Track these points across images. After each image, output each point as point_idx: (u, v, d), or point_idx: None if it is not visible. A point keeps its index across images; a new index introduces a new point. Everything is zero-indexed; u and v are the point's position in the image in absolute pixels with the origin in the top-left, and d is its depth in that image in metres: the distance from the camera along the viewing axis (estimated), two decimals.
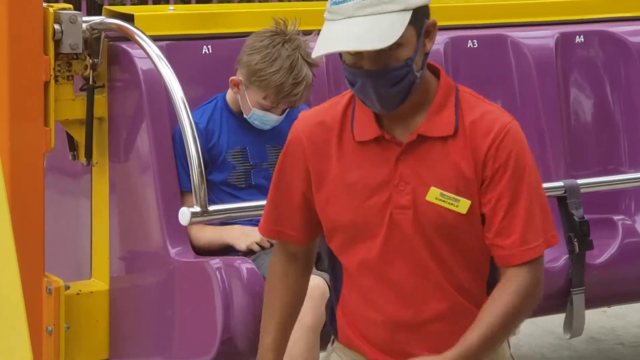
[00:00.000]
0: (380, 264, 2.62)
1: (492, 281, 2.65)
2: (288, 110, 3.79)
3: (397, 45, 2.45)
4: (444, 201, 2.56)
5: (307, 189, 2.69)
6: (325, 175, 2.65)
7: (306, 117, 2.73)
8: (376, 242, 2.61)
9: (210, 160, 3.78)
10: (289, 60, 3.67)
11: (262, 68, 3.68)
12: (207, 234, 3.73)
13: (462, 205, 2.56)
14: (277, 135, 3.79)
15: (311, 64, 3.72)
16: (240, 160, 3.81)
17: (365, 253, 2.63)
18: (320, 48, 2.48)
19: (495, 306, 2.54)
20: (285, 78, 3.66)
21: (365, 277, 2.65)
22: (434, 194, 2.56)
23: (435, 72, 2.64)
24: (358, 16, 2.45)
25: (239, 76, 3.75)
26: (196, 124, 3.63)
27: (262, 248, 3.64)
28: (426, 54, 2.56)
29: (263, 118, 3.75)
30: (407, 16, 2.45)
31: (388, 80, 2.49)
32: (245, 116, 3.77)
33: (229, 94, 3.83)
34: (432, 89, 2.60)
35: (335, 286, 2.78)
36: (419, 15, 2.50)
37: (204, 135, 3.75)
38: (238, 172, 3.80)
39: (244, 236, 3.69)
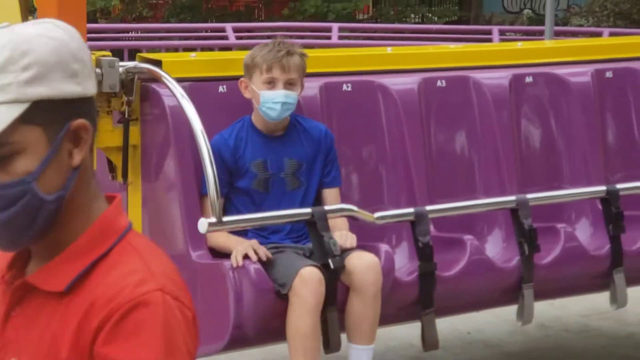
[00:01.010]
0: None
1: None
2: (306, 128, 3.79)
3: (7, 153, 1.40)
4: None
5: None
6: None
7: None
8: None
9: (237, 169, 3.75)
10: (274, 43, 3.73)
11: (254, 54, 3.71)
12: (220, 241, 3.66)
13: None
14: (294, 148, 3.78)
15: (298, 53, 3.72)
16: (261, 170, 3.76)
17: None
18: None
19: None
20: (272, 48, 3.69)
21: None
22: None
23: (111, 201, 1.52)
24: None
25: (244, 78, 3.76)
26: (226, 140, 3.69)
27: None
28: (74, 169, 1.44)
29: (273, 99, 3.66)
30: (14, 112, 1.39)
31: None
32: (259, 108, 3.70)
33: (253, 115, 3.79)
34: (85, 225, 1.46)
35: None
36: (55, 114, 1.42)
37: (232, 150, 3.73)
38: (259, 179, 3.75)
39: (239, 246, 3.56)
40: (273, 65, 3.66)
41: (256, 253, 3.48)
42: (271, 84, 3.67)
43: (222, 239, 3.67)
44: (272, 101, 3.67)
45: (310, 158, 3.79)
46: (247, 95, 3.75)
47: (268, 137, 3.77)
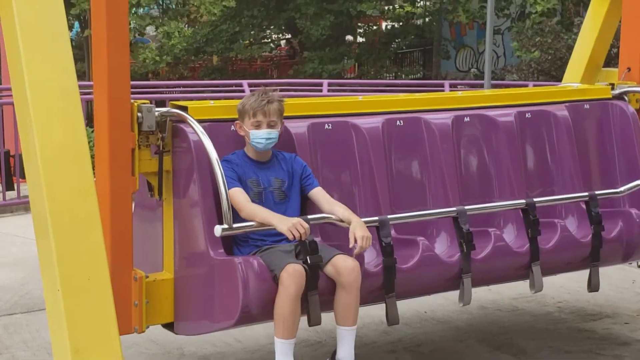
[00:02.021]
0: None
1: None
2: (283, 157, 3.80)
3: None
4: None
5: None
6: None
7: None
8: None
9: (240, 181, 3.76)
10: (259, 92, 3.76)
11: (244, 102, 3.75)
12: (260, 216, 3.58)
13: None
14: (276, 170, 3.81)
15: (277, 100, 3.76)
16: (255, 185, 3.77)
17: None
18: None
19: None
20: (257, 97, 3.73)
21: None
22: None
23: None
24: None
25: (238, 121, 3.80)
26: (232, 158, 3.73)
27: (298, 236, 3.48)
28: None
29: (259, 136, 3.73)
30: None
31: None
32: (250, 143, 3.76)
33: (246, 148, 3.83)
34: None
35: None
36: None
37: (236, 164, 3.75)
38: (254, 192, 3.75)
39: (285, 220, 3.52)
40: (257, 112, 3.72)
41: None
42: (257, 125, 3.72)
43: (260, 214, 3.59)
44: (259, 138, 3.74)
45: (289, 177, 3.81)
46: (241, 133, 3.80)
47: (258, 163, 3.81)
